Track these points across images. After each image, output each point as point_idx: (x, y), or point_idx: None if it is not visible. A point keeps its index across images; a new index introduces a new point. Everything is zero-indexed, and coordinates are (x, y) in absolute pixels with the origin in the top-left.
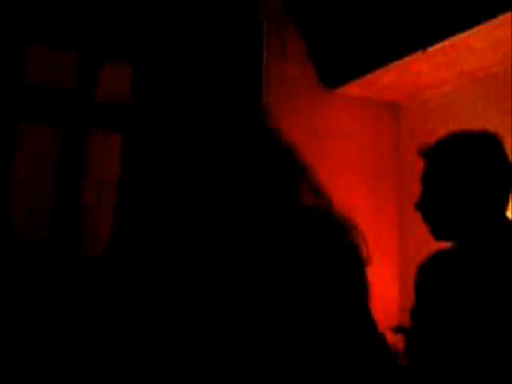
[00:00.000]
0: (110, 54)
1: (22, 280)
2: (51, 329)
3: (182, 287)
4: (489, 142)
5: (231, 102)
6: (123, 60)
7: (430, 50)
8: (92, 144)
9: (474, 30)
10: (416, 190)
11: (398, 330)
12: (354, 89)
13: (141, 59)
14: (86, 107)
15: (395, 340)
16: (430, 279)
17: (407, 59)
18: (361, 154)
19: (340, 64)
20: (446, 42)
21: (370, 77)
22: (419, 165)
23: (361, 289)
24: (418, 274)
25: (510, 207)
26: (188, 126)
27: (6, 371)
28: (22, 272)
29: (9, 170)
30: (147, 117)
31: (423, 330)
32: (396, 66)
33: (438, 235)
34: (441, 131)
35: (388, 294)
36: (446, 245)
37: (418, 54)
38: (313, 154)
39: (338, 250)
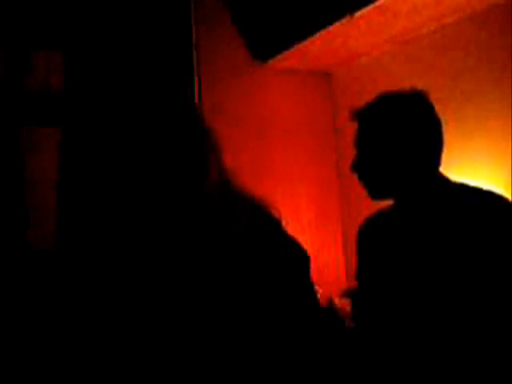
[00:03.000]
0: (41, 44)
1: None
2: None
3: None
4: (417, 99)
5: (162, 86)
6: (55, 50)
7: (357, 15)
8: (27, 136)
9: None
10: (353, 155)
11: (346, 294)
12: (285, 60)
13: (73, 48)
14: (17, 99)
15: (343, 304)
16: (370, 240)
17: (334, 27)
18: (297, 125)
19: (269, 36)
20: (372, 7)
21: (299, 47)
22: (354, 131)
23: (291, 267)
24: (358, 236)
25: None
26: (119, 112)
27: None
28: None
29: None
30: (81, 107)
31: (367, 291)
32: (324, 35)
33: (374, 194)
34: (372, 97)
35: (334, 259)
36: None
37: (346, 21)
38: (250, 128)
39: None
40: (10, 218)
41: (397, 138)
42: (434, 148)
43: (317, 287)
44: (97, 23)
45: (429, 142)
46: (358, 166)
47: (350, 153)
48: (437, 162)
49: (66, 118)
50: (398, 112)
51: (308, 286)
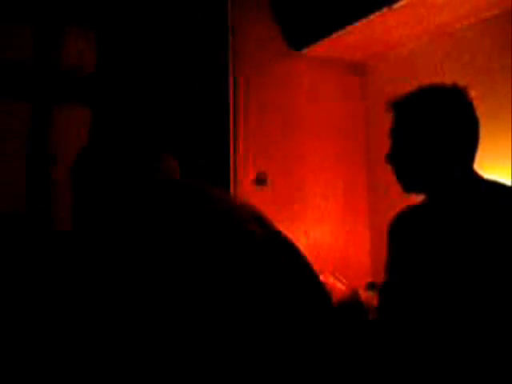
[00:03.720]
0: (72, 23)
1: None
2: (23, 303)
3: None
4: (457, 94)
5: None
6: (87, 28)
7: (395, 6)
8: (59, 117)
9: None
10: (384, 149)
11: (371, 286)
12: (320, 49)
13: (105, 26)
14: (50, 79)
15: (368, 297)
16: (401, 234)
17: (372, 17)
18: (329, 115)
19: (305, 24)
20: None
21: (335, 37)
22: (387, 125)
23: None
24: (389, 230)
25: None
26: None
27: None
28: None
29: None
30: (113, 87)
31: (396, 284)
32: (361, 25)
33: (407, 187)
34: (407, 89)
35: (361, 252)
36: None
37: (383, 12)
38: (282, 116)
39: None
40: (37, 196)
41: (433, 131)
42: (469, 145)
43: (341, 279)
44: (131, 2)
45: (465, 138)
46: (393, 157)
47: (381, 146)
48: (471, 159)
49: (97, 98)
50: (436, 106)
51: (305, 282)
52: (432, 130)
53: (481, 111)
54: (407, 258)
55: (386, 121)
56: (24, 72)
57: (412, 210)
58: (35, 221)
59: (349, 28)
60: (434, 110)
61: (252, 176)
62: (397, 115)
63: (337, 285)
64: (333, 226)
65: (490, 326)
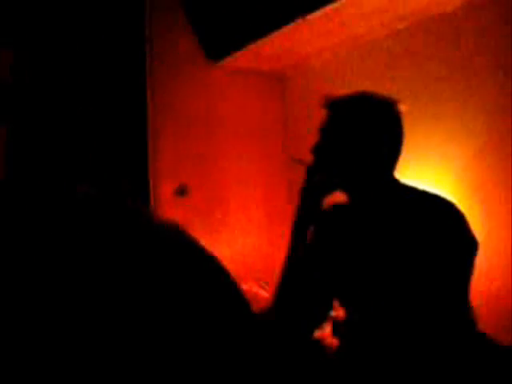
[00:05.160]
0: None
1: None
2: None
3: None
4: (391, 104)
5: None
6: (3, 46)
7: (309, 18)
8: None
9: None
10: (302, 153)
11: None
12: (238, 61)
13: (22, 43)
14: None
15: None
16: (323, 232)
17: (287, 28)
18: (249, 123)
19: (221, 35)
20: (324, 10)
21: (251, 48)
22: (304, 132)
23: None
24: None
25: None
26: (67, 110)
27: None
28: None
29: None
30: (31, 106)
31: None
32: (276, 36)
33: (328, 183)
34: (321, 98)
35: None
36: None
37: (298, 23)
38: (200, 128)
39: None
40: None
41: (363, 133)
42: (392, 151)
43: (266, 287)
44: (47, 19)
45: (390, 145)
46: (319, 150)
47: (298, 155)
48: (392, 165)
49: (12, 116)
50: (370, 111)
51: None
52: (361, 133)
53: None
54: (330, 255)
55: (304, 126)
56: None
57: (335, 209)
58: None
59: (264, 39)
60: (367, 115)
61: (172, 187)
62: (331, 113)
63: (261, 293)
64: (256, 233)
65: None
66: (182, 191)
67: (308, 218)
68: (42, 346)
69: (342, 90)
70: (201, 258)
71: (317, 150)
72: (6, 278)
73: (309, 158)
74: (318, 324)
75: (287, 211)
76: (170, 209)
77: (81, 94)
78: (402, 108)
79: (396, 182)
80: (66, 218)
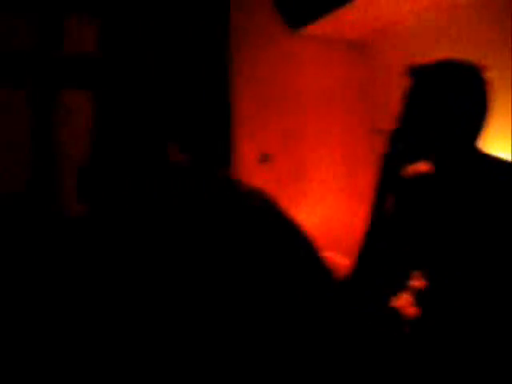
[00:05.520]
0: (74, 7)
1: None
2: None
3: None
4: (477, 71)
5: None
6: (89, 13)
7: None
8: (63, 102)
9: None
10: (386, 125)
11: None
12: (319, 28)
13: (108, 10)
14: (52, 65)
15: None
16: (404, 201)
17: None
18: (329, 93)
19: (303, 3)
20: None
21: (334, 15)
22: (387, 99)
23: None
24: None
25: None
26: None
27: None
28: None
29: None
30: (117, 71)
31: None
32: (360, 2)
33: (412, 153)
34: (407, 64)
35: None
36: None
37: None
38: (281, 95)
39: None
40: (42, 182)
41: (448, 101)
42: (478, 121)
43: (346, 255)
44: None
45: (476, 113)
46: (402, 120)
47: (381, 122)
48: (477, 134)
49: (99, 82)
50: (456, 78)
51: (313, 269)
52: (447, 100)
53: None
54: (411, 223)
55: (386, 95)
56: (27, 58)
57: (417, 178)
58: (40, 207)
59: (346, 6)
60: (451, 81)
61: (254, 155)
62: (415, 81)
63: (341, 261)
64: (337, 203)
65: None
66: (265, 157)
67: (388, 188)
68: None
69: (427, 56)
70: (285, 225)
71: (400, 120)
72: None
73: (391, 126)
74: (396, 292)
75: (368, 181)
76: (251, 177)
77: (165, 63)
78: (489, 75)
79: (480, 151)
80: (165, 188)
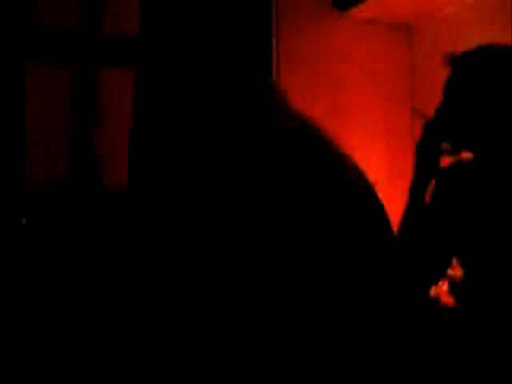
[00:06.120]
0: None
1: (42, 225)
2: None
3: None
4: None
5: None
6: None
7: None
8: (104, 80)
9: None
10: (429, 111)
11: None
12: (364, 10)
13: None
14: (94, 42)
15: None
16: (447, 187)
17: None
18: (374, 77)
19: None
20: None
21: None
22: (434, 86)
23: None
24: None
25: None
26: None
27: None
28: (38, 213)
29: (22, 110)
30: (159, 50)
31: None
32: None
33: (455, 142)
34: (454, 49)
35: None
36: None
37: None
38: (326, 77)
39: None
40: (83, 158)
41: (491, 90)
42: None
43: None
44: None
45: None
46: (444, 110)
47: (425, 109)
48: None
49: (141, 62)
50: (497, 66)
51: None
52: (489, 88)
53: None
54: (451, 213)
55: (431, 81)
56: (69, 35)
57: (457, 168)
58: (81, 185)
59: None
60: (494, 69)
61: None
62: (456, 69)
63: None
64: (375, 185)
65: None
66: None
67: (426, 177)
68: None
69: (473, 40)
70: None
71: (442, 108)
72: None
73: (433, 114)
74: (436, 281)
75: (409, 166)
76: None
77: (205, 41)
78: None
79: None
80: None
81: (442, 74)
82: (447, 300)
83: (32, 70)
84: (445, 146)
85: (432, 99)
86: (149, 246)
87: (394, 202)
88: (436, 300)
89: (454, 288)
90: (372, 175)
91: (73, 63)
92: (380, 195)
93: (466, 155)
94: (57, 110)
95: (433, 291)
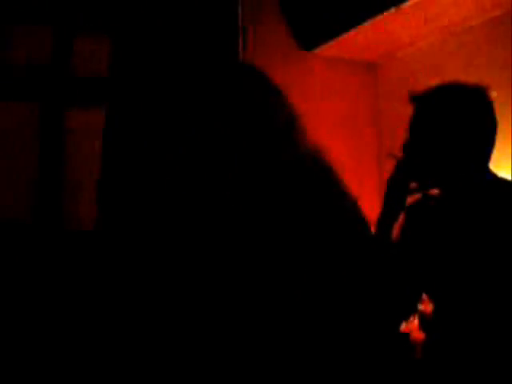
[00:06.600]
0: (86, 27)
1: (5, 258)
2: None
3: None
4: (478, 93)
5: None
6: (100, 33)
7: (403, 7)
8: (71, 119)
9: None
10: (395, 149)
11: None
12: (330, 50)
13: (119, 31)
14: (62, 82)
15: None
16: (416, 221)
17: (381, 17)
18: (340, 114)
19: (315, 25)
20: None
21: (345, 37)
22: (398, 122)
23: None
24: (406, 215)
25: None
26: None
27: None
28: (3, 250)
29: None
30: (127, 90)
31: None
32: (370, 25)
33: (422, 182)
34: (416, 87)
35: None
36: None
37: (392, 12)
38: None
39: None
40: (49, 198)
41: (454, 127)
42: (486, 144)
43: None
44: (143, 8)
45: (483, 137)
46: (409, 149)
47: (390, 145)
48: (488, 157)
49: (110, 101)
50: (459, 103)
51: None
52: (452, 126)
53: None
54: (418, 247)
55: (396, 118)
56: (37, 74)
57: (424, 202)
58: (46, 223)
59: (358, 28)
60: (456, 107)
61: None
62: (418, 108)
63: None
64: None
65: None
66: None
67: (393, 215)
68: None
69: (437, 79)
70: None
71: (406, 148)
72: None
73: (400, 152)
74: (407, 316)
75: (377, 204)
76: None
77: (175, 83)
78: (493, 94)
79: (490, 174)
80: None
81: (406, 112)
82: (417, 335)
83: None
84: (412, 185)
85: (397, 138)
86: (147, 250)
87: None
88: (407, 335)
89: (424, 323)
90: None
91: (40, 102)
92: None
93: (433, 191)
94: (24, 148)
95: (404, 327)
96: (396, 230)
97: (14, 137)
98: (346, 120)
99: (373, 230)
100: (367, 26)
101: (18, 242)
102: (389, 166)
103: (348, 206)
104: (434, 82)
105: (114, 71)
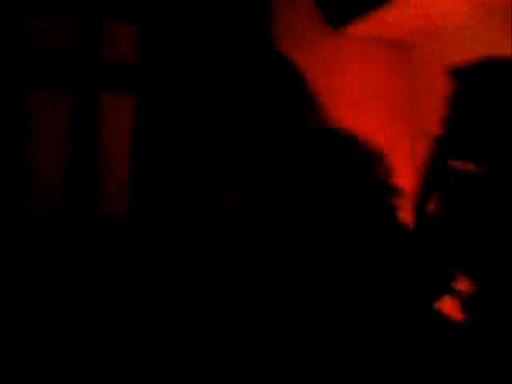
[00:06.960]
0: (114, 13)
1: (39, 249)
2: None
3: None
4: None
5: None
6: (128, 19)
7: None
8: (104, 106)
9: None
10: (431, 128)
11: None
12: (361, 28)
13: (147, 16)
14: (94, 69)
15: None
16: (449, 202)
17: None
18: (374, 95)
19: (343, 4)
20: None
21: (376, 14)
22: (432, 102)
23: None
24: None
25: None
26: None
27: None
28: (37, 241)
29: (22, 138)
30: (158, 75)
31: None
32: (398, 2)
33: (466, 160)
34: (451, 64)
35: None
36: None
37: None
38: (323, 98)
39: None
40: (83, 185)
41: (502, 102)
42: None
43: None
44: None
45: None
46: (451, 126)
47: (425, 125)
48: None
49: (141, 88)
50: (506, 77)
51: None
52: (500, 101)
53: None
54: (457, 224)
55: (431, 99)
56: (69, 62)
57: (463, 179)
58: (80, 211)
59: (388, 5)
60: (503, 81)
61: None
62: (461, 83)
63: None
64: None
65: None
66: None
67: (431, 193)
68: None
69: (469, 54)
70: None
71: (447, 124)
72: None
73: (437, 130)
74: (441, 295)
75: (410, 183)
76: None
77: (209, 62)
78: None
79: None
80: None
81: (441, 91)
82: (453, 314)
83: (32, 97)
84: (453, 162)
85: (432, 117)
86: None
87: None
88: (441, 314)
89: (462, 303)
90: None
91: (72, 89)
92: None
93: (474, 169)
94: (56, 136)
95: (439, 306)
96: (432, 210)
97: (45, 125)
98: (377, 101)
99: (405, 203)
100: (395, 3)
101: (52, 234)
102: (423, 144)
103: (373, 175)
104: (471, 56)
105: (144, 57)
